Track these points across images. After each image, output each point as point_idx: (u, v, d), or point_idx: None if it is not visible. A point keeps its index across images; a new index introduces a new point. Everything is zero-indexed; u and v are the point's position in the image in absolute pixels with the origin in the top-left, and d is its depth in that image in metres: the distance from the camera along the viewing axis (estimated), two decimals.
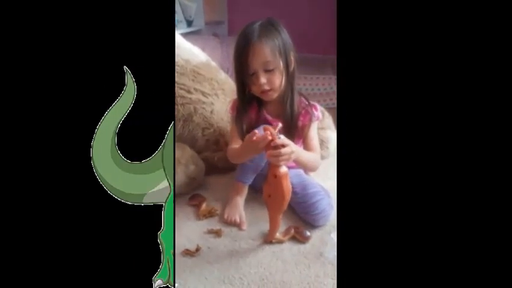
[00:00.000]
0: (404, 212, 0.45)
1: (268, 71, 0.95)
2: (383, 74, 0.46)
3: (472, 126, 0.45)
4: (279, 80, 0.97)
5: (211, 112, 1.30)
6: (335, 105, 1.77)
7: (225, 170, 1.26)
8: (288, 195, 0.86)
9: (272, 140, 0.81)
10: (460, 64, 0.46)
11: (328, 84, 1.92)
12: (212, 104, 1.31)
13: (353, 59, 0.47)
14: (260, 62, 0.95)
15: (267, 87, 0.97)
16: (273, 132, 0.81)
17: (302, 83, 1.86)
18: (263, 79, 0.95)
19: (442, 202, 0.45)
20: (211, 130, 1.29)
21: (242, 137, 1.05)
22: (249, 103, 1.06)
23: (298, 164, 1.03)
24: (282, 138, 0.82)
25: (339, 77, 0.49)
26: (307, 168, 1.08)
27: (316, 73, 1.93)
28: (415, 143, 0.46)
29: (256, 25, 0.96)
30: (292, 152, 0.82)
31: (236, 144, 1.04)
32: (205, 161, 1.23)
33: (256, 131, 0.85)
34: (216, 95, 1.33)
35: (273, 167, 0.84)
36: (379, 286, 0.46)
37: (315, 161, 1.06)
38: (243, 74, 0.98)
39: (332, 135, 1.41)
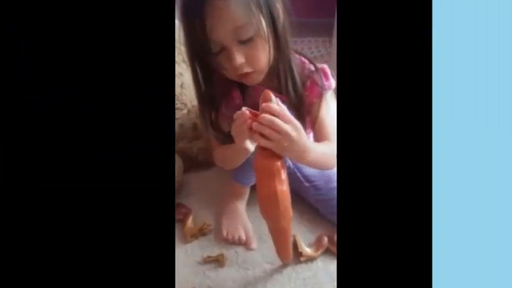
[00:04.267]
0: (405, 204, 0.46)
1: (244, 41, 0.61)
2: (384, 59, 0.45)
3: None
4: (265, 53, 0.63)
5: (181, 86, 0.98)
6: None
7: (207, 164, 0.99)
8: (276, 197, 0.58)
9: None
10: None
11: (323, 47, 1.78)
12: (181, 74, 0.99)
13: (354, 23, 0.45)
14: (228, 30, 0.59)
15: (247, 69, 0.63)
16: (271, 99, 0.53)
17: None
18: (239, 57, 0.61)
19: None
20: (185, 111, 0.98)
21: (225, 141, 0.75)
22: (225, 94, 0.73)
23: (304, 165, 0.76)
24: (284, 121, 0.53)
25: (339, 65, 0.46)
26: (318, 168, 0.77)
27: (309, 36, 1.79)
28: (416, 131, 0.45)
29: None
30: (284, 147, 0.54)
31: (220, 148, 0.77)
32: (181, 155, 0.96)
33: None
34: (184, 61, 1.00)
35: (257, 156, 0.58)
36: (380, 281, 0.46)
37: (325, 156, 0.70)
38: (202, 54, 0.64)
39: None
